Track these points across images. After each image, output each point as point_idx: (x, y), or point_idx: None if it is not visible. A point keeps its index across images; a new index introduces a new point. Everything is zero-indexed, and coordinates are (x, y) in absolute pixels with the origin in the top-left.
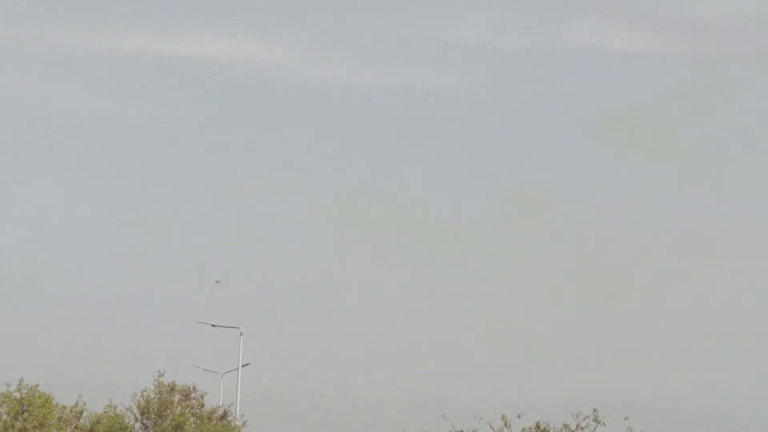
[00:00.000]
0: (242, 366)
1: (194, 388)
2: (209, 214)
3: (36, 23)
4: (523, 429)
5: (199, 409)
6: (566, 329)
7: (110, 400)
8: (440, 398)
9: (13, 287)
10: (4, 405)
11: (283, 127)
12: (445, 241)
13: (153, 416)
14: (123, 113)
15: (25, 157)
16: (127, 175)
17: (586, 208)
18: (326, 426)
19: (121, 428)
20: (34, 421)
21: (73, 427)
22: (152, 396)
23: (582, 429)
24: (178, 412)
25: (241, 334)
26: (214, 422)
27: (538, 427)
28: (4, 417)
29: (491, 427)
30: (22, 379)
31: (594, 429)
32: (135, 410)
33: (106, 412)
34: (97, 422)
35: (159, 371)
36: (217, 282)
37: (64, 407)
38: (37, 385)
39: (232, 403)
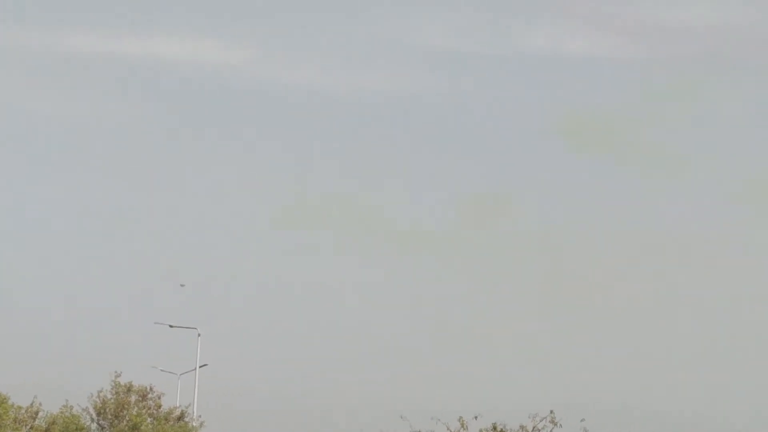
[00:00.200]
0: (200, 367)
1: (151, 389)
2: (168, 215)
3: None
4: (480, 431)
5: (156, 410)
6: (527, 331)
7: (66, 400)
8: (398, 400)
9: None
10: None
11: (246, 129)
12: (406, 243)
13: (109, 417)
14: (74, 113)
15: None
16: (81, 175)
17: (547, 209)
18: (284, 427)
19: (77, 429)
20: None
21: (28, 427)
22: (109, 396)
23: (539, 431)
24: (134, 413)
25: (199, 334)
26: (171, 423)
27: (494, 428)
28: None
29: (448, 429)
30: None
31: (551, 431)
32: (91, 411)
33: (62, 412)
34: (53, 423)
35: (116, 372)
36: (182, 285)
37: (20, 407)
38: None
39: (189, 404)
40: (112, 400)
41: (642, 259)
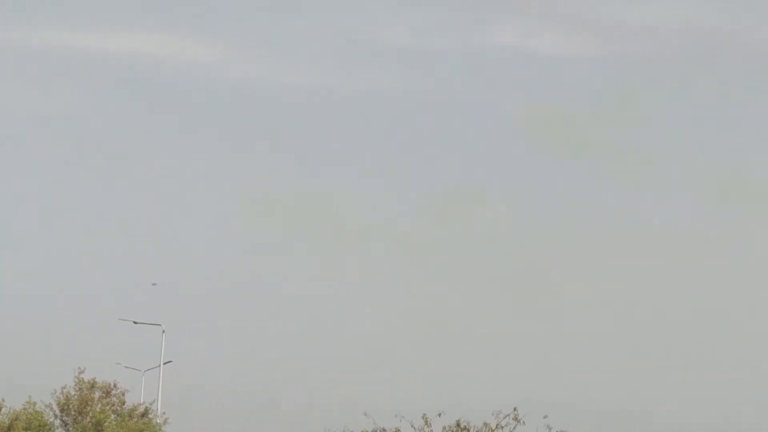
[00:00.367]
0: (164, 363)
1: (115, 386)
2: (132, 211)
3: None
4: (444, 428)
5: (120, 407)
6: (492, 328)
7: (29, 396)
8: (362, 398)
9: None
10: None
11: (206, 126)
12: (371, 241)
13: (73, 413)
14: (34, 108)
15: None
16: (44, 171)
17: (513, 207)
18: (248, 425)
19: (40, 425)
20: None
21: None
22: (72, 393)
23: (502, 428)
24: (98, 410)
25: (164, 331)
26: (134, 420)
27: (458, 425)
28: None
29: (412, 426)
30: None
31: (514, 428)
32: (55, 407)
33: (25, 408)
34: (16, 419)
35: (79, 368)
36: (154, 285)
37: None
38: None
39: (153, 401)
40: (76, 397)
41: (611, 256)
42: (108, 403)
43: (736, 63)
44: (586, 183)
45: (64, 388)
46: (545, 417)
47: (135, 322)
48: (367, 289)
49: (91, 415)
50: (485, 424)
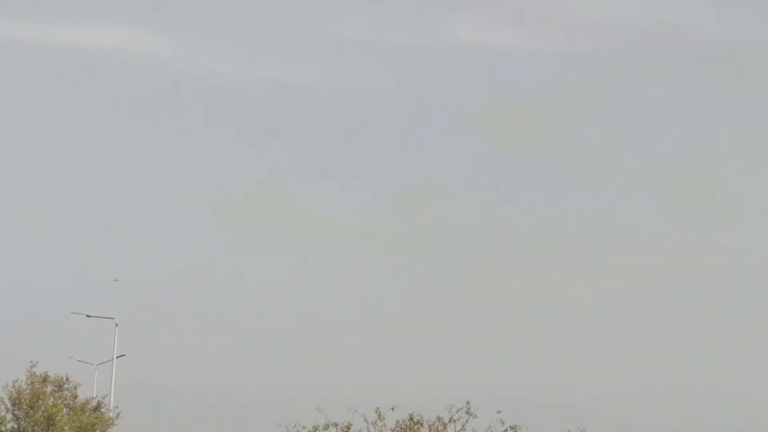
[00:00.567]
0: (117, 357)
1: (67, 379)
2: (85, 205)
3: None
4: (397, 421)
5: (72, 401)
6: (448, 324)
7: None
8: (315, 392)
9: None
10: None
11: (166, 119)
12: (330, 237)
13: (25, 407)
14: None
15: None
16: (8, 166)
17: (469, 203)
18: (202, 419)
19: None
20: None
21: None
22: (24, 387)
23: (455, 421)
24: (50, 404)
25: (117, 324)
26: (87, 414)
27: (411, 419)
28: None
29: (365, 420)
30: None
31: (466, 421)
32: (6, 401)
33: None
34: None
35: (31, 361)
36: (116, 280)
37: None
38: None
39: (106, 395)
40: (28, 391)
41: (568, 251)
42: (60, 397)
43: (699, 59)
44: (548, 180)
45: (16, 381)
46: (499, 412)
47: (88, 316)
48: (327, 284)
49: (43, 409)
50: (438, 418)
